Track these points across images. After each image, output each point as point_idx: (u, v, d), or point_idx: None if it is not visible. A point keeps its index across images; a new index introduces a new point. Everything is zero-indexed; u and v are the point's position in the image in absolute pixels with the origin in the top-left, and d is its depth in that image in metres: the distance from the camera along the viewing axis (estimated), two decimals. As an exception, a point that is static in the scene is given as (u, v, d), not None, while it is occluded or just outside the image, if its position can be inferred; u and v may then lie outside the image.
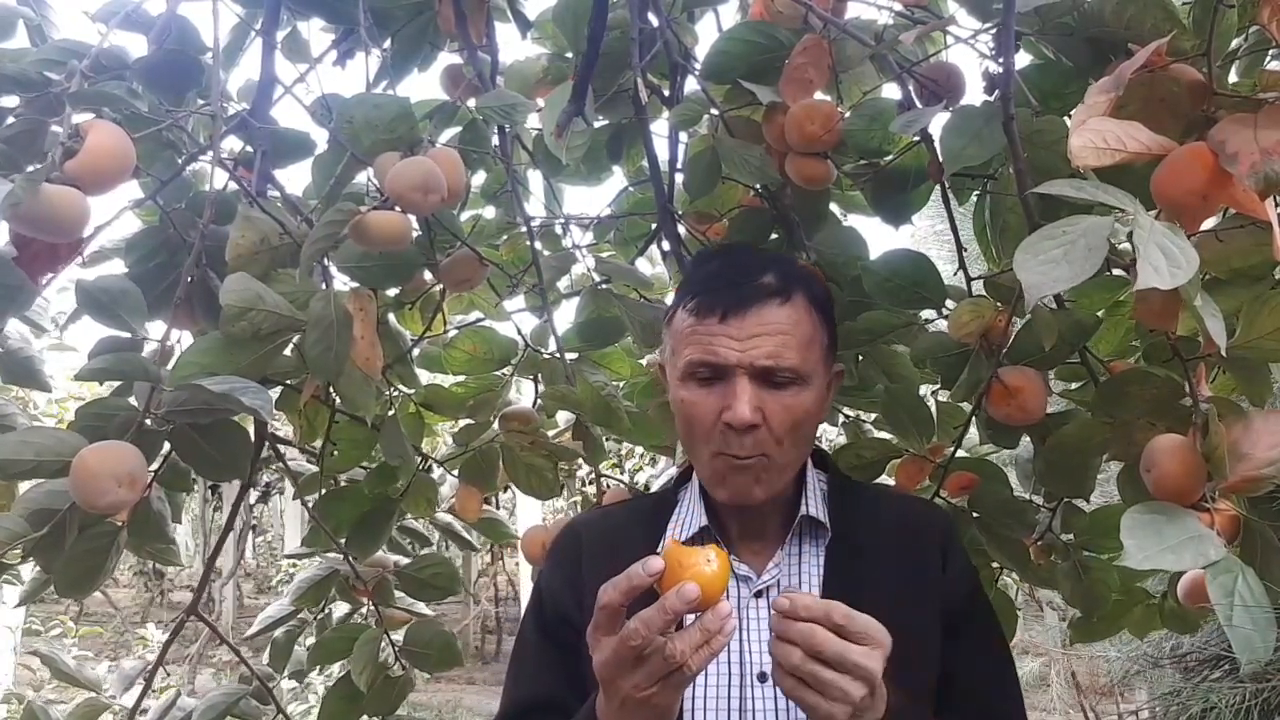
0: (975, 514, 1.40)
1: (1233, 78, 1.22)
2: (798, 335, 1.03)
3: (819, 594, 1.03)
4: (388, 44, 1.59)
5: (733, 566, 1.04)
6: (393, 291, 1.66)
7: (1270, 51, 1.23)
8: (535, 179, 1.84)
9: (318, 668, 1.83)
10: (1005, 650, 1.15)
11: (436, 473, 1.79)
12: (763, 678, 1.01)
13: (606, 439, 1.84)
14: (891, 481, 1.47)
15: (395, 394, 1.69)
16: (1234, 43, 1.19)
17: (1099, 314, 1.31)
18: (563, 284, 1.85)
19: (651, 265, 2.02)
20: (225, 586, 8.01)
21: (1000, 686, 1.11)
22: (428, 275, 1.64)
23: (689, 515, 1.12)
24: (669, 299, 1.96)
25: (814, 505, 1.10)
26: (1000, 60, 1.15)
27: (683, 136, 1.61)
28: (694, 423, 1.05)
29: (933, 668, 1.05)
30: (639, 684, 0.84)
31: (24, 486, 1.23)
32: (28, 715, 1.58)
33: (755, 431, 1.02)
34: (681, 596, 0.81)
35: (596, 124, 1.57)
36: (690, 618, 0.86)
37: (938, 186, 1.38)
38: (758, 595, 1.06)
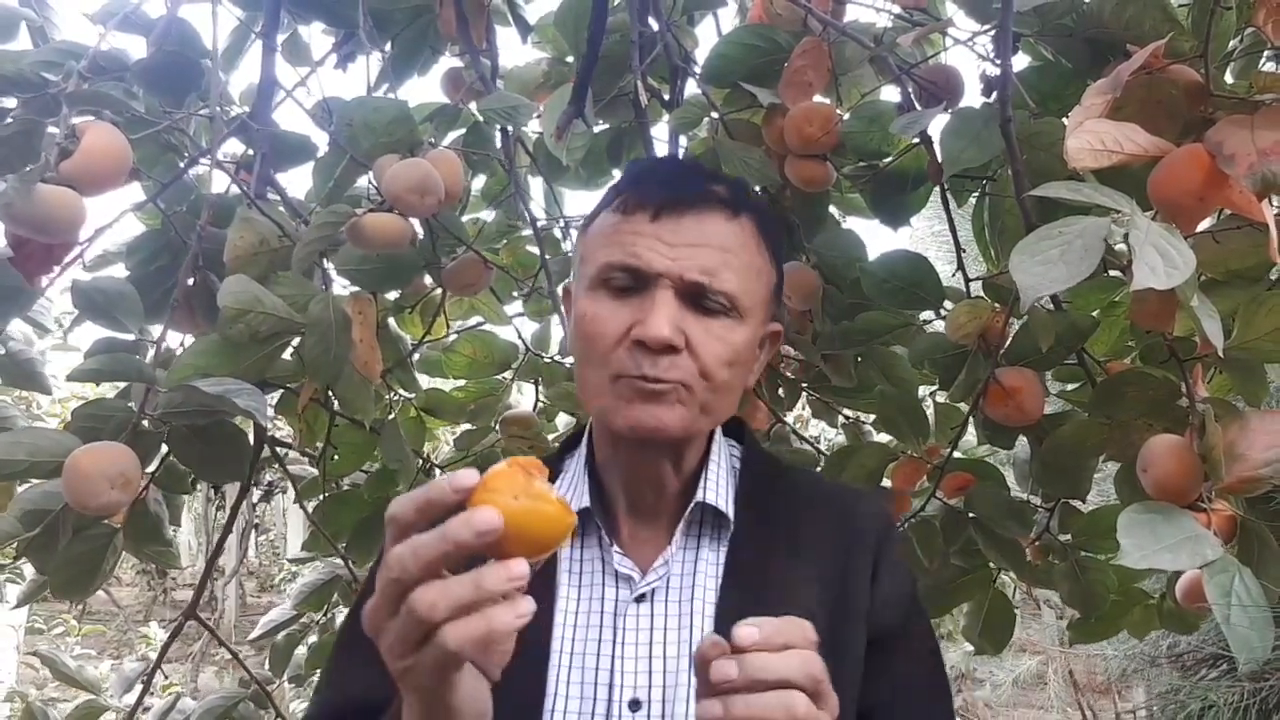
0: (972, 514, 1.40)
1: (1228, 79, 1.22)
2: (741, 259, 0.84)
3: (713, 601, 0.83)
4: (388, 47, 1.60)
5: (614, 561, 0.85)
6: (393, 295, 1.67)
7: (1265, 53, 1.23)
8: (535, 183, 1.85)
9: (320, 669, 1.83)
10: (941, 675, 0.92)
11: (437, 477, 1.79)
12: (634, 705, 0.79)
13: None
14: (888, 484, 1.47)
15: (395, 398, 1.70)
16: (1229, 44, 1.19)
17: (1095, 315, 1.31)
18: (561, 288, 1.85)
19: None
20: (228, 585, 8.02)
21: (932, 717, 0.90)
22: (428, 279, 1.65)
23: (568, 491, 0.89)
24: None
25: (715, 488, 0.88)
26: (998, 62, 1.15)
27: (683, 139, 1.61)
28: (594, 340, 0.82)
29: (853, 695, 0.83)
30: (393, 644, 0.59)
31: (23, 487, 1.23)
32: (26, 715, 1.58)
33: (674, 356, 0.80)
34: (471, 524, 0.56)
35: (597, 127, 1.57)
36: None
37: (937, 188, 1.38)
38: (639, 600, 0.83)
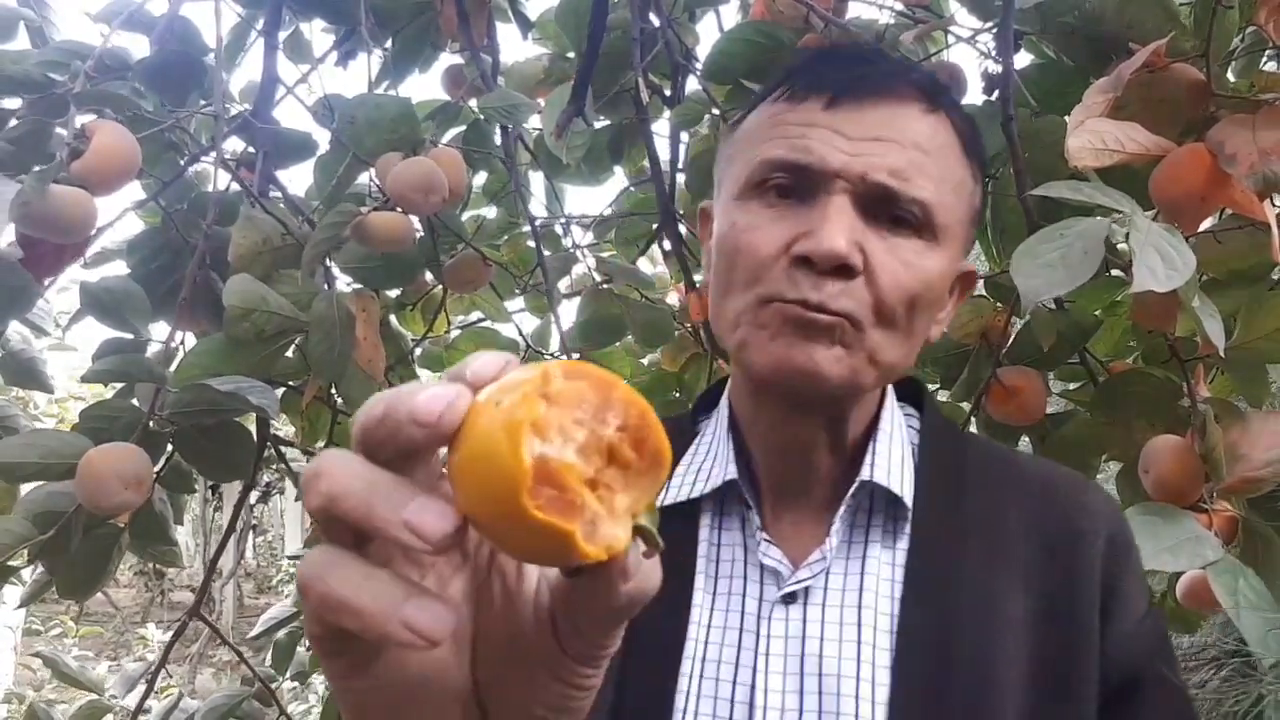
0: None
1: (1230, 78, 1.23)
2: (940, 164, 0.65)
3: (894, 617, 0.64)
4: (389, 44, 1.60)
5: (759, 550, 0.67)
6: (394, 293, 1.67)
7: (1267, 52, 1.23)
8: (536, 179, 1.85)
9: (319, 668, 1.83)
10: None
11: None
12: None
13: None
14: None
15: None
16: (1231, 43, 1.19)
17: (1098, 314, 1.31)
18: (564, 284, 1.85)
19: (653, 265, 2.02)
20: (226, 586, 8.02)
21: None
22: (429, 276, 1.65)
23: (707, 459, 0.71)
24: (670, 299, 1.98)
25: (886, 465, 0.68)
26: (1000, 60, 1.15)
27: (684, 136, 1.62)
28: (741, 255, 0.64)
29: None
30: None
31: (25, 488, 1.23)
32: (30, 716, 1.58)
33: (846, 280, 0.62)
34: (464, 373, 0.34)
35: (597, 124, 1.57)
36: None
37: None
38: (788, 601, 0.66)
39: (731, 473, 0.69)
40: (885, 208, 0.63)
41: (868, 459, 0.68)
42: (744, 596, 0.67)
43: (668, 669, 0.65)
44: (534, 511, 0.30)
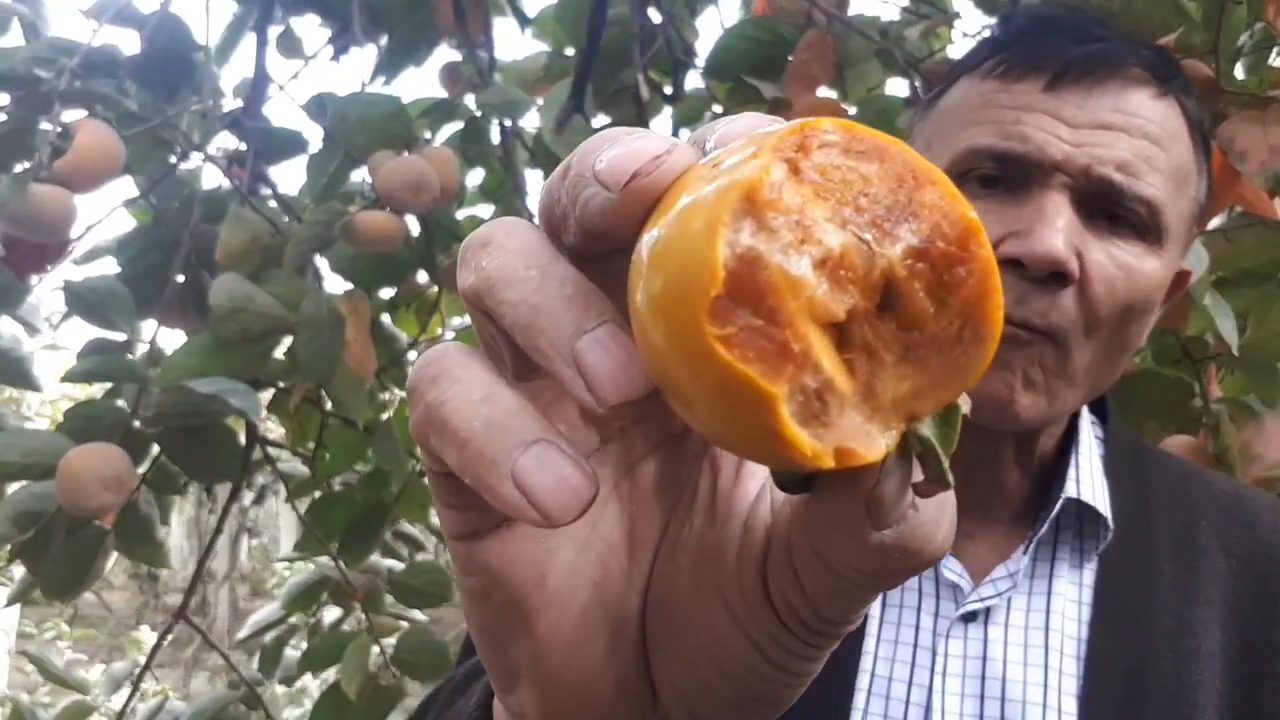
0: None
1: (1239, 74, 1.21)
2: (1172, 156, 0.58)
3: (1082, 642, 0.60)
4: (383, 40, 1.58)
5: (942, 562, 0.62)
6: (388, 293, 1.65)
7: (1277, 48, 1.22)
8: (534, 177, 1.83)
9: (312, 671, 1.81)
10: None
11: (432, 477, 1.77)
12: None
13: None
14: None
15: (390, 398, 1.68)
16: (1240, 39, 1.18)
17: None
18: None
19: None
20: (220, 590, 7.99)
21: None
22: (423, 276, 1.63)
23: None
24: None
25: (1090, 480, 0.63)
26: (1006, 56, 1.13)
27: (684, 134, 1.60)
28: None
29: None
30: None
31: (11, 488, 1.21)
32: (15, 716, 1.56)
33: (1058, 292, 0.55)
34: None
35: (597, 121, 1.56)
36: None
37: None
38: (968, 620, 0.61)
39: None
40: (1106, 206, 0.57)
41: (1071, 474, 0.62)
42: (918, 611, 0.62)
43: (842, 688, 0.60)
44: (712, 340, 0.18)
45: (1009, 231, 0.56)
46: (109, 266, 1.38)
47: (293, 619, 1.76)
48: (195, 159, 1.45)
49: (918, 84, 1.28)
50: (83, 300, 1.20)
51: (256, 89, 1.47)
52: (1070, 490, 0.62)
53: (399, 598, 1.68)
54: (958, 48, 1.39)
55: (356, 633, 1.63)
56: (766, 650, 0.26)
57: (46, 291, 1.45)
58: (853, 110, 1.33)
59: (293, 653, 1.78)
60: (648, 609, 0.28)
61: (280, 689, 2.36)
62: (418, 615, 1.70)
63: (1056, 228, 0.54)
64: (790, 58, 1.31)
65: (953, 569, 0.62)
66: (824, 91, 1.34)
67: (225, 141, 1.48)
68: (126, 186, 1.40)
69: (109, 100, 1.19)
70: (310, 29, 1.68)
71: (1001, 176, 0.57)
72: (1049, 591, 0.61)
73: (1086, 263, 0.56)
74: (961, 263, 0.19)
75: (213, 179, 1.39)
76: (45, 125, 1.13)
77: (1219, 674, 0.58)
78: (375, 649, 1.56)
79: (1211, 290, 0.91)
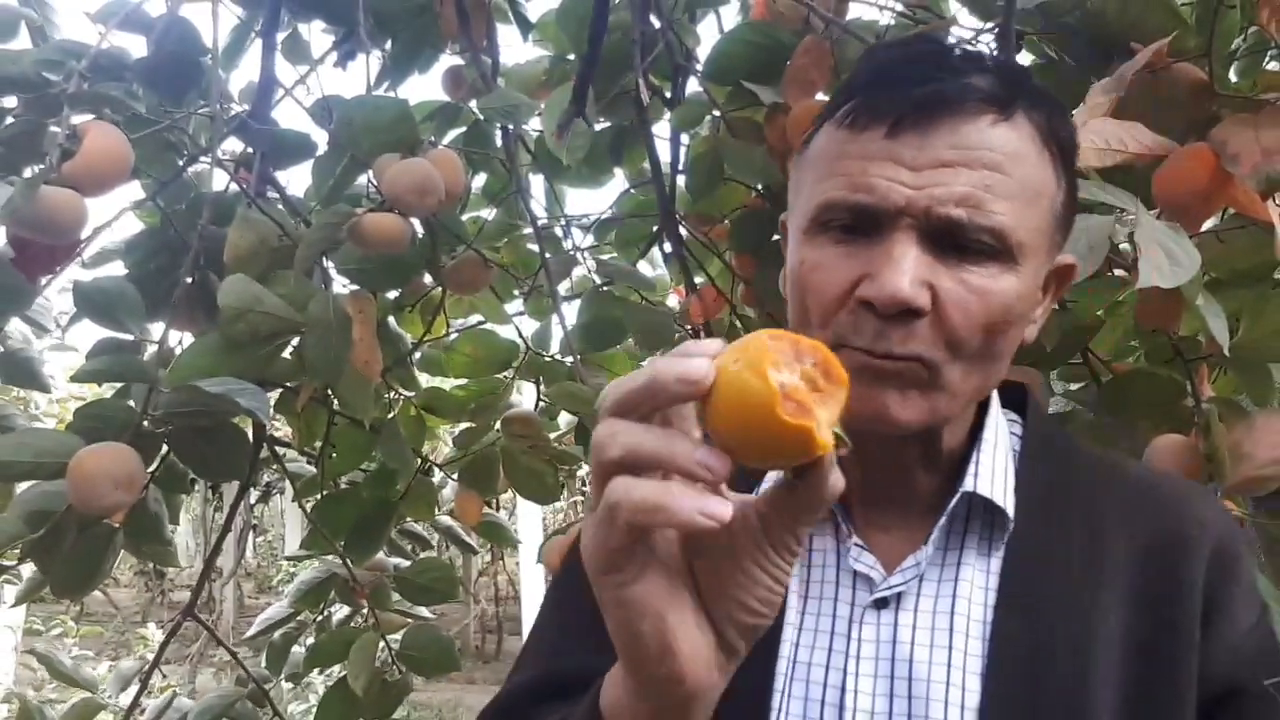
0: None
1: (1232, 78, 1.22)
2: (1015, 177, 0.61)
3: (986, 625, 0.64)
4: (388, 45, 1.59)
5: (850, 555, 0.68)
6: (393, 294, 1.66)
7: (1269, 52, 1.23)
8: (536, 181, 1.85)
9: (318, 668, 1.83)
10: None
11: (437, 476, 1.79)
12: None
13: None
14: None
15: (395, 397, 1.69)
16: (1233, 43, 1.19)
17: (1100, 314, 1.30)
18: (564, 287, 1.84)
19: (653, 268, 2.02)
20: (226, 586, 8.02)
21: None
22: (428, 278, 1.65)
23: None
24: (671, 301, 1.97)
25: (990, 475, 0.67)
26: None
27: (684, 138, 1.61)
28: (809, 296, 0.63)
29: None
30: (594, 528, 0.48)
31: (20, 487, 1.23)
32: (23, 714, 1.58)
33: (911, 324, 0.60)
34: (676, 364, 0.45)
35: (598, 126, 1.57)
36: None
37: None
38: (880, 606, 0.67)
39: None
40: (953, 239, 0.61)
41: (970, 469, 0.67)
42: (835, 600, 0.68)
43: (763, 670, 0.66)
44: (787, 418, 0.43)
45: (864, 274, 0.61)
46: (116, 269, 1.40)
47: (300, 616, 1.78)
48: (202, 162, 1.47)
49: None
50: (92, 301, 1.22)
51: (263, 93, 1.48)
52: (969, 485, 0.67)
53: (405, 594, 1.69)
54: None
55: (363, 629, 1.65)
56: (772, 570, 0.51)
57: (55, 293, 1.48)
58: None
59: (298, 649, 1.80)
60: (701, 581, 0.51)
61: (285, 684, 2.37)
62: (423, 612, 1.71)
63: (902, 270, 0.59)
64: (788, 63, 1.32)
65: (866, 561, 0.68)
66: (821, 96, 1.35)
67: (232, 145, 1.50)
68: (134, 189, 1.42)
69: (117, 103, 1.21)
70: (316, 34, 1.69)
71: (856, 224, 0.62)
72: (956, 578, 0.66)
73: (940, 293, 0.61)
74: (827, 360, 0.46)
75: (220, 182, 1.41)
76: (54, 128, 1.14)
77: (1118, 653, 0.63)
78: (381, 645, 1.58)
79: (1204, 291, 0.92)
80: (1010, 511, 0.67)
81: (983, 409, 0.70)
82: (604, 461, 0.46)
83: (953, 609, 0.65)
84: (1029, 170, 0.62)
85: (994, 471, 0.68)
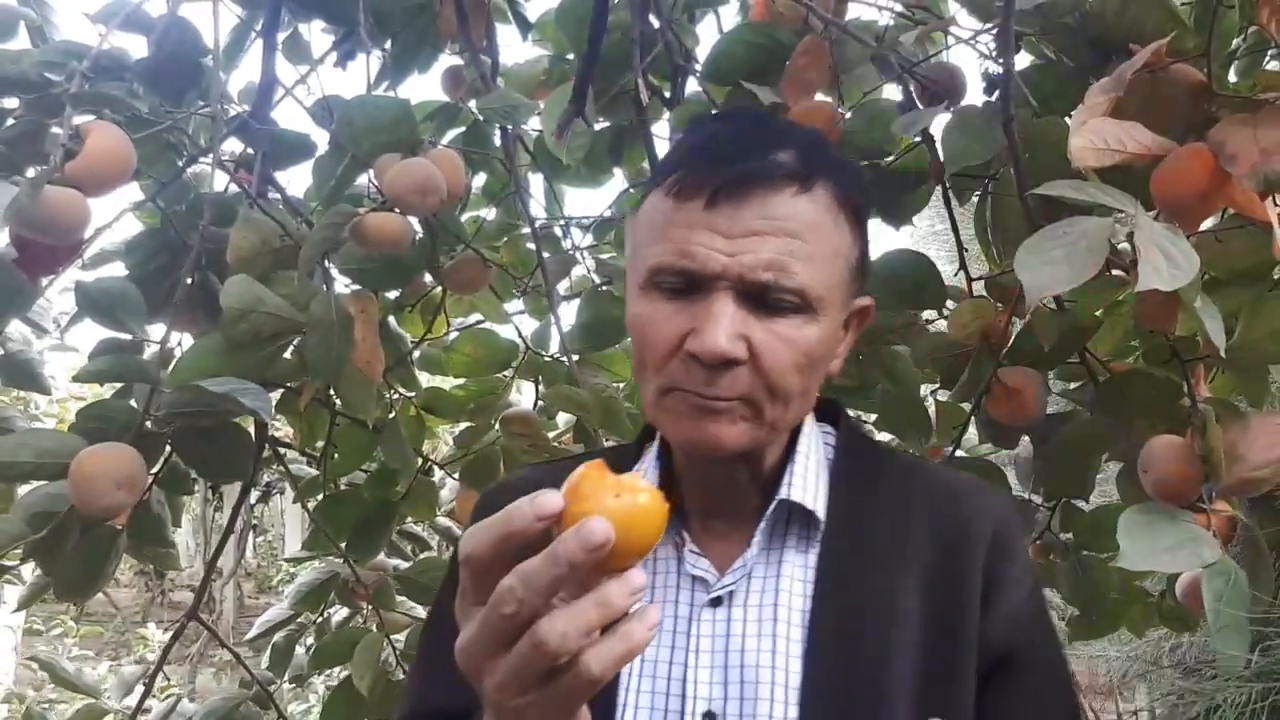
0: (975, 515, 1.40)
1: (1231, 78, 1.23)
2: (813, 242, 0.72)
3: (805, 613, 0.74)
4: (388, 45, 1.59)
5: (687, 561, 0.78)
6: (393, 294, 1.66)
7: (1269, 52, 1.23)
8: (536, 180, 1.85)
9: (321, 668, 1.83)
10: (1073, 703, 0.80)
11: (437, 476, 1.79)
12: (709, 717, 0.73)
13: (607, 440, 1.84)
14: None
15: (395, 397, 1.70)
16: (1233, 43, 1.19)
17: (1098, 314, 1.31)
18: (563, 286, 1.85)
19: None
20: (226, 586, 8.01)
21: None
22: (428, 278, 1.65)
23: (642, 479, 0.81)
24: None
25: (803, 484, 0.78)
26: (1000, 61, 1.15)
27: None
28: (645, 347, 0.74)
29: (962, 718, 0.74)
30: (506, 682, 0.53)
31: (23, 489, 1.23)
32: (26, 718, 1.58)
33: (733, 370, 0.71)
34: (582, 540, 0.50)
35: (597, 126, 1.57)
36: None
37: (938, 187, 1.38)
38: (714, 604, 0.76)
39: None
40: (763, 298, 0.71)
41: (786, 479, 0.78)
42: (676, 603, 0.77)
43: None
44: (612, 505, 0.52)
45: (690, 329, 0.71)
46: (116, 269, 1.40)
47: (300, 617, 1.78)
48: (203, 163, 1.47)
49: (912, 88, 1.30)
50: (95, 302, 1.22)
51: (264, 93, 1.49)
52: (784, 494, 0.77)
53: (408, 594, 1.70)
54: (952, 52, 1.40)
55: (366, 629, 1.65)
56: None
57: (54, 293, 1.48)
58: (848, 113, 1.34)
59: (299, 650, 1.80)
60: None
61: (285, 685, 2.37)
62: (422, 612, 1.72)
63: (720, 327, 0.69)
64: (787, 63, 1.32)
65: (701, 566, 0.78)
66: (820, 96, 1.35)
67: (232, 145, 1.50)
68: (133, 190, 1.42)
69: (119, 103, 1.21)
70: (315, 34, 1.69)
71: (682, 285, 0.72)
72: (778, 574, 0.76)
73: (755, 344, 0.71)
74: (634, 487, 0.54)
75: (221, 183, 1.41)
76: (56, 129, 1.14)
77: (915, 633, 0.73)
78: (385, 645, 1.59)
79: (1201, 292, 0.92)
80: (821, 514, 0.78)
81: (797, 428, 0.80)
82: (512, 615, 0.52)
83: (776, 601, 0.75)
84: (826, 235, 0.73)
85: (806, 481, 0.78)
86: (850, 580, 0.75)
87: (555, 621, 0.51)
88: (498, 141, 1.67)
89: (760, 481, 0.79)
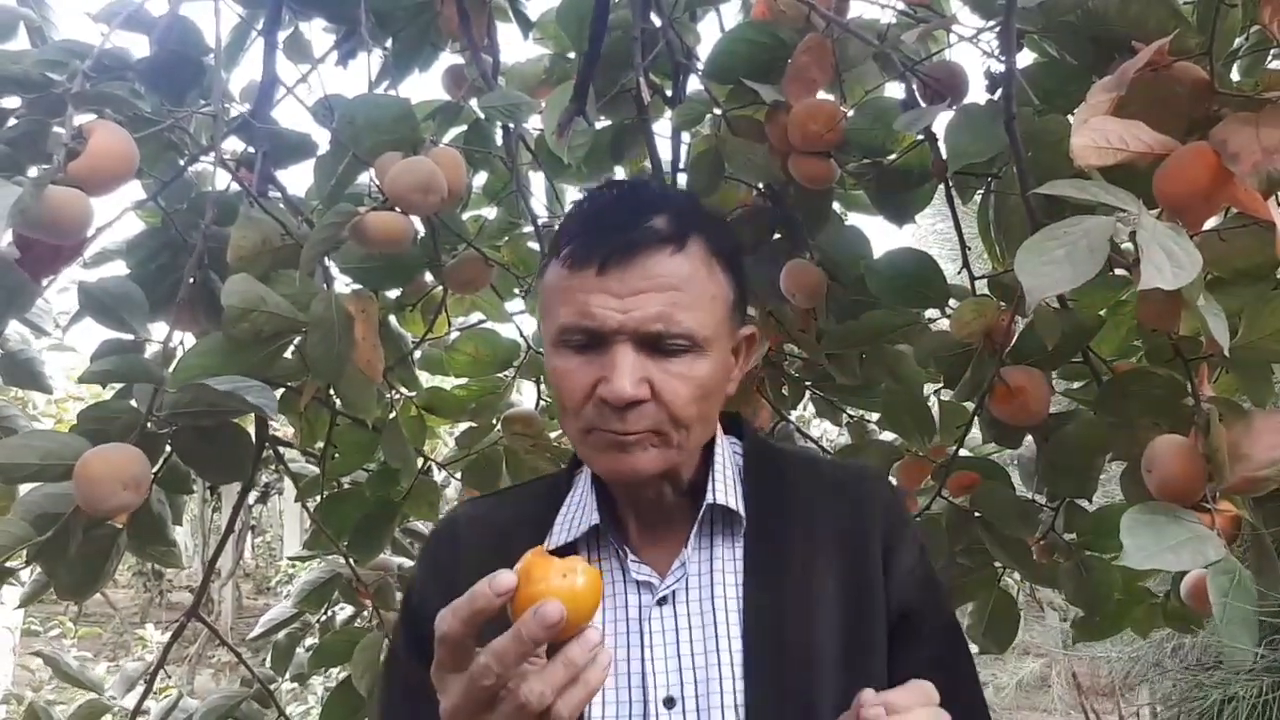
0: (978, 514, 1.40)
1: (1233, 76, 1.22)
2: (692, 292, 0.84)
3: (739, 600, 0.87)
4: (389, 44, 1.59)
5: (631, 570, 0.89)
6: (394, 293, 1.66)
7: (1271, 51, 1.23)
8: (537, 179, 1.85)
9: (322, 668, 1.83)
10: (962, 646, 0.96)
11: (439, 475, 1.79)
12: (669, 703, 0.84)
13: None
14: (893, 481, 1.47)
15: (396, 396, 1.69)
16: (1235, 42, 1.19)
17: (1101, 314, 1.31)
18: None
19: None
20: (224, 587, 8.01)
21: (969, 687, 0.93)
22: (429, 277, 1.65)
23: (578, 510, 0.93)
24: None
25: (724, 489, 0.90)
26: (1003, 59, 1.15)
27: (685, 136, 1.61)
28: (563, 395, 0.86)
29: (880, 677, 0.86)
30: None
31: (24, 489, 1.22)
32: (30, 716, 1.58)
33: (639, 408, 0.83)
34: (540, 620, 0.64)
35: (598, 124, 1.57)
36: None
37: (940, 185, 1.38)
38: (661, 603, 0.87)
39: (596, 519, 0.90)
40: (657, 344, 0.83)
41: (709, 486, 0.90)
42: (627, 606, 0.88)
43: None
44: (558, 586, 0.66)
45: (599, 378, 0.83)
46: (116, 268, 1.40)
47: (302, 617, 1.77)
48: (204, 162, 1.47)
49: (914, 86, 1.30)
50: (97, 301, 1.22)
51: (265, 92, 1.48)
52: (710, 498, 0.89)
53: (408, 594, 1.69)
54: (954, 50, 1.40)
55: (367, 629, 1.65)
56: None
57: (54, 293, 1.47)
58: (850, 112, 1.34)
59: (302, 651, 1.80)
60: None
61: (285, 685, 2.37)
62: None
63: (623, 374, 0.81)
64: (789, 61, 1.32)
65: (644, 571, 0.89)
66: (822, 94, 1.35)
67: (233, 144, 1.50)
68: (134, 189, 1.42)
69: (120, 103, 1.20)
70: (317, 33, 1.69)
71: (587, 341, 0.84)
72: (712, 570, 0.89)
73: (656, 383, 0.83)
74: (575, 573, 0.68)
75: (222, 182, 1.40)
76: (58, 128, 1.14)
77: (835, 606, 0.87)
78: (385, 645, 1.58)
79: (1204, 291, 0.92)
80: (742, 512, 0.90)
81: (710, 442, 0.92)
82: (491, 685, 0.66)
83: (713, 594, 0.87)
84: (702, 283, 0.85)
85: (726, 485, 0.91)
86: (773, 567, 0.88)
87: (533, 685, 0.65)
88: (499, 140, 1.67)
89: (682, 493, 0.91)
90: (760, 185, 1.52)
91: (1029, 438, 1.39)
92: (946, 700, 0.80)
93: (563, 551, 0.86)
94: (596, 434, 0.84)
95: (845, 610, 0.87)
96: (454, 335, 1.77)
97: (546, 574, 0.67)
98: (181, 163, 1.41)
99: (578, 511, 0.92)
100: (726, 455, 0.94)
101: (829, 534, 0.90)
